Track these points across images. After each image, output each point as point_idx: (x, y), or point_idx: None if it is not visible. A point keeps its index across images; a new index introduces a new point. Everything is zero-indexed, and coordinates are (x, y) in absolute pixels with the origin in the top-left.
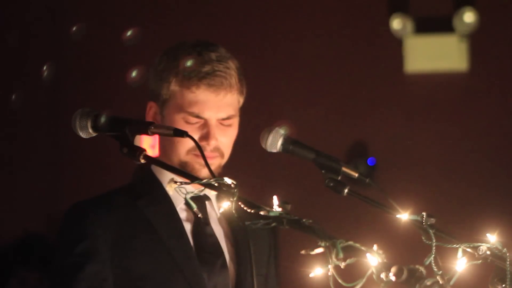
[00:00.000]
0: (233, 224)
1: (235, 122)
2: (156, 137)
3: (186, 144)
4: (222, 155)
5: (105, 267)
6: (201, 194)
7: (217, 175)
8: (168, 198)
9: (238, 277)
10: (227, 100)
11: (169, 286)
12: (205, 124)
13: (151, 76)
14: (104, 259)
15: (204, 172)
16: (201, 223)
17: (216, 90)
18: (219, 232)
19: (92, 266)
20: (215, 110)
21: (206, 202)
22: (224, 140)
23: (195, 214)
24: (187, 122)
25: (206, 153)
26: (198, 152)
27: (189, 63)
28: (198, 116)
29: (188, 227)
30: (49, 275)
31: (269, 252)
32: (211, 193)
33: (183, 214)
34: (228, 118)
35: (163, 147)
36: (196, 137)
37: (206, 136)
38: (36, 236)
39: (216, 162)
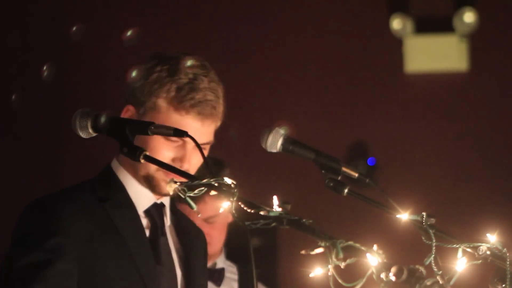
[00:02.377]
0: (179, 233)
1: (209, 146)
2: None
3: (162, 159)
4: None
5: (73, 265)
6: (158, 202)
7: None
8: (132, 204)
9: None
10: (210, 128)
11: None
12: (183, 146)
13: (138, 80)
14: (72, 257)
15: (169, 189)
16: (158, 233)
17: (203, 119)
18: (170, 243)
19: (59, 264)
20: (198, 136)
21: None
22: (195, 162)
23: (152, 223)
24: (167, 139)
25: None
26: (176, 164)
27: (184, 85)
28: (180, 138)
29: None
30: (8, 273)
31: (204, 260)
32: (166, 201)
33: (143, 221)
34: (207, 143)
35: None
36: (171, 156)
37: (181, 158)
38: None
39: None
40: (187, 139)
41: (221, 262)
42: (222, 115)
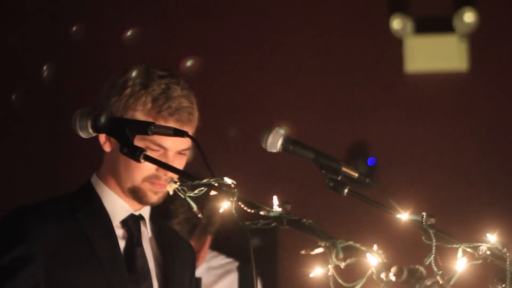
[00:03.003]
0: (161, 245)
1: (189, 151)
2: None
3: (144, 171)
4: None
5: (39, 274)
6: (137, 214)
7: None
8: (106, 215)
9: None
10: (189, 133)
11: None
12: (165, 154)
13: (111, 98)
14: (38, 266)
15: (154, 199)
16: (134, 243)
17: (182, 126)
18: (148, 253)
19: (26, 271)
20: (178, 143)
21: (140, 222)
22: (178, 167)
23: (128, 233)
24: (148, 150)
25: (161, 182)
26: (153, 180)
27: (159, 95)
28: (160, 146)
29: (121, 245)
30: None
31: (189, 273)
32: (145, 213)
33: (118, 231)
34: (187, 149)
35: (114, 168)
36: (155, 166)
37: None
38: None
39: (165, 189)
40: (169, 147)
41: (198, 272)
42: (198, 120)
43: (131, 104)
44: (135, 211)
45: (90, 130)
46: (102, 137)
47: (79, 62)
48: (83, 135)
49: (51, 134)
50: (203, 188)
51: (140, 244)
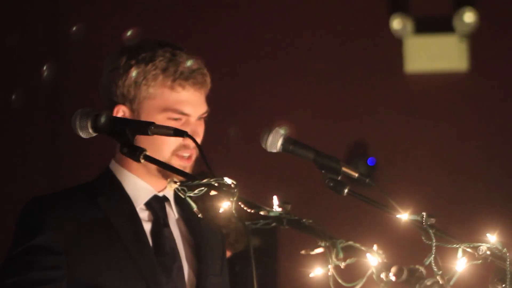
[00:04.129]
0: (189, 225)
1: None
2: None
3: (171, 144)
4: (195, 154)
5: (60, 263)
6: (160, 195)
7: (192, 171)
8: (128, 198)
9: (195, 279)
10: (204, 97)
11: (127, 286)
12: (187, 122)
13: (117, 80)
14: (60, 254)
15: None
16: (160, 225)
17: (199, 88)
18: (176, 234)
19: (47, 260)
20: (198, 107)
21: (165, 204)
22: (200, 132)
23: (154, 215)
24: (171, 121)
25: (189, 150)
26: (181, 153)
27: (167, 63)
28: (182, 113)
29: (147, 227)
30: (3, 265)
31: (220, 254)
32: (170, 194)
33: (143, 214)
34: (206, 112)
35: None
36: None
37: (191, 133)
38: None
39: (194, 157)
40: (191, 113)
41: None
42: (210, 82)
43: (141, 81)
44: (158, 192)
45: (90, 130)
46: None
47: (79, 62)
48: (83, 135)
49: (51, 134)
50: (203, 188)
51: (167, 225)
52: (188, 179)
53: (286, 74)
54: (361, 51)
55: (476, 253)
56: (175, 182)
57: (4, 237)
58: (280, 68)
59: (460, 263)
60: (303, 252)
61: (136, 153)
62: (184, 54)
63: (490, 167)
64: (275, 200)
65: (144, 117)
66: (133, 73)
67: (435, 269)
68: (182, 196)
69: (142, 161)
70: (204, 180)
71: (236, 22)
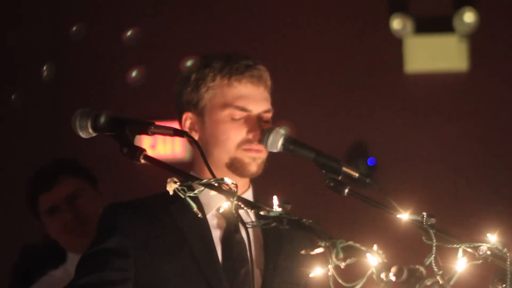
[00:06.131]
0: (266, 230)
1: (271, 119)
2: (156, 137)
3: (234, 138)
4: (266, 150)
5: (129, 266)
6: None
7: (261, 171)
8: (200, 205)
9: (263, 285)
10: (265, 94)
11: None
12: (249, 118)
13: (182, 90)
14: (129, 258)
15: (254, 167)
16: (230, 230)
17: (257, 83)
18: (251, 239)
19: (117, 263)
20: (258, 103)
21: (240, 211)
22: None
23: (226, 221)
24: (233, 118)
25: (254, 146)
26: (247, 146)
27: (223, 64)
28: (243, 109)
29: (218, 234)
30: (78, 264)
31: (299, 262)
32: (247, 197)
33: (214, 220)
34: (268, 111)
35: (207, 152)
36: (244, 131)
37: (253, 129)
38: None
39: (263, 156)
40: (252, 108)
41: None
42: (270, 83)
43: (201, 84)
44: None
45: (90, 130)
46: (186, 127)
47: (79, 62)
48: (83, 135)
49: (51, 134)
50: (203, 188)
51: (237, 231)
52: (188, 179)
53: (286, 74)
54: (361, 51)
55: (476, 253)
56: (175, 182)
57: (4, 237)
58: (280, 68)
59: (460, 263)
60: (303, 252)
61: (136, 153)
62: (240, 56)
63: (490, 167)
64: (275, 200)
65: (208, 119)
66: (193, 80)
67: (435, 269)
68: (182, 196)
69: (142, 161)
70: (204, 180)
71: (236, 22)
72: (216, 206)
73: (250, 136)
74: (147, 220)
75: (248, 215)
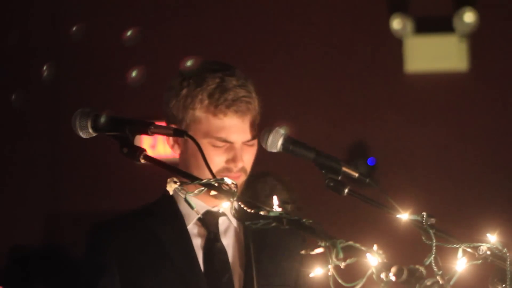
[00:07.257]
0: (248, 236)
1: (256, 140)
2: (156, 137)
3: (215, 165)
4: (245, 173)
5: (115, 278)
6: (214, 210)
7: (240, 192)
8: (180, 216)
9: None
10: (251, 123)
11: None
12: (232, 147)
13: (171, 100)
14: (113, 276)
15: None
16: (211, 239)
17: (242, 116)
18: (233, 246)
19: (105, 277)
20: (241, 134)
21: (220, 218)
22: (247, 159)
23: (206, 230)
24: (214, 146)
25: (233, 174)
26: (226, 174)
27: (214, 89)
28: (225, 141)
29: (198, 242)
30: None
31: (297, 268)
32: (226, 208)
33: (195, 229)
34: (252, 140)
35: (187, 168)
36: (223, 159)
37: (233, 159)
38: (59, 247)
39: (241, 180)
40: (234, 140)
41: None
42: (259, 108)
43: (189, 103)
44: (213, 207)
45: (90, 130)
46: (170, 141)
47: (79, 62)
48: (83, 135)
49: (51, 134)
50: (203, 188)
51: (218, 240)
52: (189, 179)
53: (286, 74)
54: (361, 51)
55: (476, 253)
56: (175, 182)
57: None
58: (280, 68)
59: (460, 263)
60: (303, 252)
61: (136, 153)
62: (233, 80)
63: (490, 166)
64: (275, 200)
65: (192, 143)
66: (183, 95)
67: (435, 269)
68: (182, 196)
69: (142, 161)
70: (204, 180)
71: (236, 22)
72: (196, 215)
73: (231, 165)
74: (128, 237)
75: (230, 220)
